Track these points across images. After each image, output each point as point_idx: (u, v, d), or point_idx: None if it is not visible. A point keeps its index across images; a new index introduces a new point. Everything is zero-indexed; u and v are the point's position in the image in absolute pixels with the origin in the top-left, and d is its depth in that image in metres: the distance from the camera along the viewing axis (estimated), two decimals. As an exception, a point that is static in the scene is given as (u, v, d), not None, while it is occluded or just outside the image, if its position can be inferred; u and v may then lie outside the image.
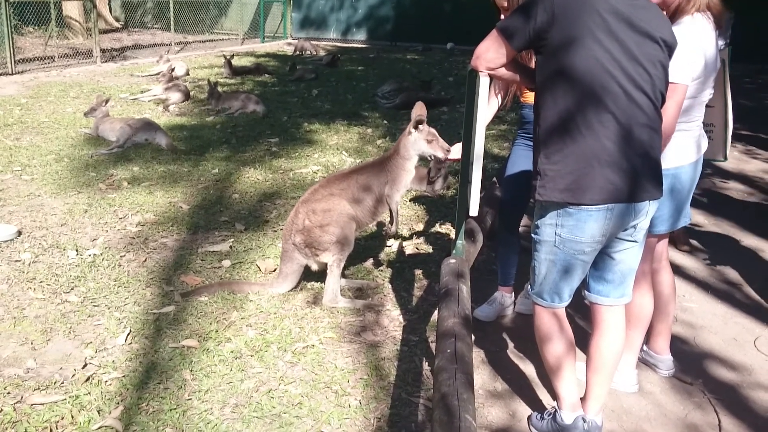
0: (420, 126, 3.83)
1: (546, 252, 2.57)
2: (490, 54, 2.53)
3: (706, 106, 3.07)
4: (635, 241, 2.59)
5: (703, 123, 3.12)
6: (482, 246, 3.98)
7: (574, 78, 2.33)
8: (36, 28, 15.13)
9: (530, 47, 2.47)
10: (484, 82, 2.61)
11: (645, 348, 3.41)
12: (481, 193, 2.89)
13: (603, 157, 2.34)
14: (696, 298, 4.18)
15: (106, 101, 7.65)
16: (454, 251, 3.26)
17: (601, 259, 2.63)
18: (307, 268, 3.96)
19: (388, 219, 4.03)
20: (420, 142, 3.84)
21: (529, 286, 2.76)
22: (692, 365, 3.43)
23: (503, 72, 2.59)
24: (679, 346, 3.57)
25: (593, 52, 2.29)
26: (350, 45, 20.55)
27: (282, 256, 3.95)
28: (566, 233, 2.47)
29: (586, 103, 2.33)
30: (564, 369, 2.70)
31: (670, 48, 2.42)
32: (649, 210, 2.52)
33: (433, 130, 3.85)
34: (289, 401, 2.94)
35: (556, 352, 2.69)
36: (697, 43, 2.76)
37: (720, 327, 3.83)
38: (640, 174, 2.39)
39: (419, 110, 3.86)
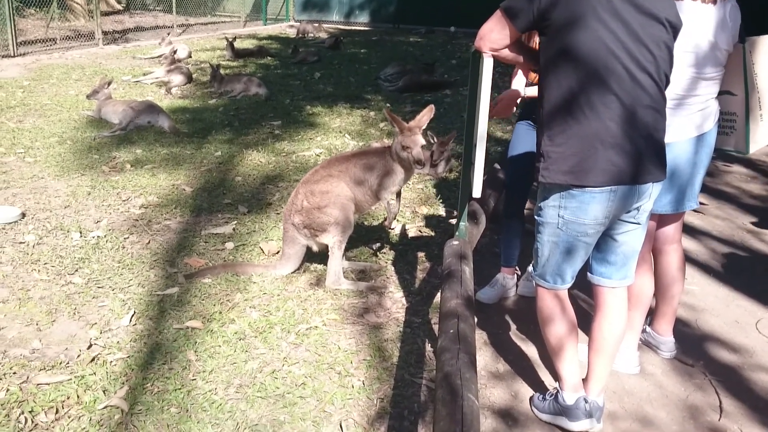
0: (409, 132, 3.74)
1: (549, 234, 2.57)
2: (494, 35, 2.52)
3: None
4: (638, 223, 2.59)
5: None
6: (485, 228, 3.98)
7: (578, 59, 2.32)
8: (38, 10, 15.05)
9: (534, 28, 2.46)
10: (488, 63, 2.61)
11: (648, 329, 3.42)
12: (483, 175, 2.89)
13: (606, 139, 2.34)
14: (698, 280, 4.19)
15: (109, 83, 7.63)
16: (457, 233, 3.26)
17: (604, 241, 2.63)
18: (309, 250, 3.98)
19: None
20: (398, 146, 3.78)
21: (532, 268, 2.77)
22: (694, 347, 3.44)
23: (507, 53, 2.58)
24: (680, 328, 3.58)
25: (597, 32, 2.28)
26: (353, 27, 20.43)
27: (284, 237, 3.96)
28: (569, 215, 2.47)
29: (589, 84, 2.32)
30: (566, 350, 2.72)
31: (675, 29, 2.41)
32: (652, 192, 2.52)
33: (416, 139, 3.73)
34: (293, 382, 2.96)
35: (558, 333, 2.71)
36: (686, 15, 2.70)
37: (722, 310, 3.84)
38: (644, 156, 2.39)
39: (424, 113, 3.81)
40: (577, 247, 2.56)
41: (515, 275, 3.89)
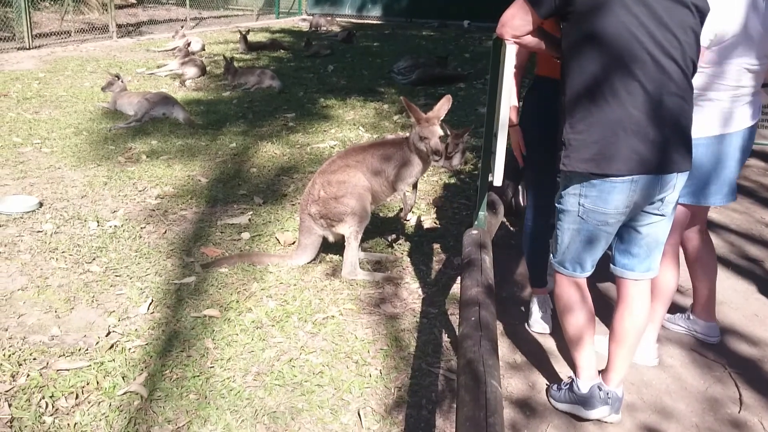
0: (426, 122, 3.70)
1: (569, 222, 2.55)
2: (516, 21, 2.49)
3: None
4: (663, 215, 2.54)
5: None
6: (502, 219, 3.97)
7: (601, 44, 2.29)
8: (52, 3, 15.13)
9: (556, 14, 2.43)
10: (510, 50, 2.59)
11: (691, 316, 3.43)
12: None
13: (629, 127, 2.31)
14: (717, 274, 4.15)
15: (117, 77, 7.64)
16: (476, 222, 3.25)
17: (627, 232, 2.61)
18: (325, 241, 3.97)
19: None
20: (415, 137, 3.75)
21: (552, 255, 2.75)
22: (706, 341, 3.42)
23: (529, 40, 2.55)
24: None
25: (621, 17, 2.25)
26: (365, 21, 20.39)
27: (300, 227, 3.96)
28: (590, 204, 2.45)
29: (612, 71, 2.29)
30: (583, 340, 2.71)
31: (702, 13, 2.35)
32: (677, 183, 2.47)
33: (434, 130, 3.68)
34: (311, 370, 2.97)
35: (576, 322, 2.70)
36: (719, 2, 2.62)
37: (741, 303, 3.81)
38: (669, 144, 2.34)
39: (441, 104, 3.77)
40: (598, 236, 2.54)
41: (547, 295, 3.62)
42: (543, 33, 2.61)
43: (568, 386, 2.82)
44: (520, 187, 4.70)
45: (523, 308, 3.67)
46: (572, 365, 2.88)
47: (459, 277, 3.34)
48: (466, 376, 1.91)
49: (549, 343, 3.36)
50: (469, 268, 2.72)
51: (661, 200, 2.49)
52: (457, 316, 2.90)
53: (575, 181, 2.47)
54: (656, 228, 2.58)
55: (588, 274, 2.68)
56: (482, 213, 3.21)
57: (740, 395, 2.99)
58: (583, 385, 2.74)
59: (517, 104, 3.11)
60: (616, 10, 2.25)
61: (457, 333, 2.67)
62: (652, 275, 2.69)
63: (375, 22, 20.40)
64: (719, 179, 2.99)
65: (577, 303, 2.69)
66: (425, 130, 3.68)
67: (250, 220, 4.60)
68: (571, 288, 2.69)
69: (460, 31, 17.70)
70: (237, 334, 3.21)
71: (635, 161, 2.33)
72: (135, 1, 20.00)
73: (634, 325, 2.70)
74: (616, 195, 2.40)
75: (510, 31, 2.53)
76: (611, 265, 2.73)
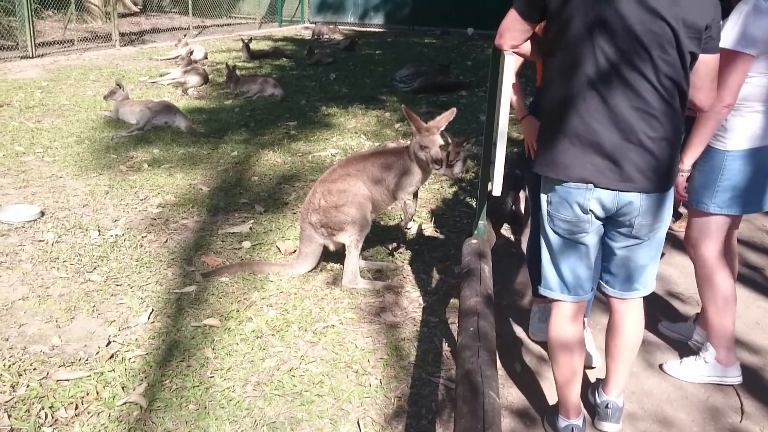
0: (427, 131, 3.72)
1: (543, 236, 2.54)
2: (511, 31, 2.48)
3: None
4: (639, 239, 2.44)
5: None
6: (502, 228, 3.97)
7: (563, 51, 2.29)
8: (55, 12, 15.18)
9: (542, 17, 2.39)
10: (509, 60, 2.60)
11: (694, 326, 3.42)
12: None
13: (584, 136, 2.28)
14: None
15: (119, 84, 7.66)
16: (475, 231, 3.25)
17: (606, 249, 2.55)
18: (326, 249, 3.98)
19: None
20: (416, 146, 3.76)
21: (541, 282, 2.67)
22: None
23: (527, 49, 2.54)
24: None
25: (586, 25, 2.21)
26: (368, 29, 20.46)
27: (301, 236, 3.96)
28: (553, 210, 2.45)
29: (572, 79, 2.27)
30: (568, 379, 2.61)
31: (691, 27, 2.17)
32: (641, 205, 2.34)
33: (434, 139, 3.70)
34: (311, 380, 2.96)
35: (559, 359, 2.60)
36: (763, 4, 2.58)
37: (742, 311, 3.80)
38: (627, 161, 2.26)
39: (444, 115, 3.78)
40: (572, 248, 2.47)
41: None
42: (538, 41, 2.60)
43: (551, 418, 2.77)
44: (520, 196, 4.70)
45: (523, 317, 3.66)
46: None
47: (460, 286, 3.34)
48: (464, 387, 1.91)
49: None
50: (468, 278, 2.72)
51: (630, 222, 2.38)
52: (457, 325, 2.90)
53: (544, 184, 2.49)
54: (634, 252, 2.48)
55: (577, 298, 2.56)
56: (482, 222, 3.22)
57: (741, 404, 2.98)
58: (562, 423, 2.67)
59: (520, 97, 3.10)
60: (582, 16, 2.21)
61: (456, 342, 2.67)
62: (638, 294, 2.60)
63: (377, 29, 20.46)
64: (764, 188, 2.99)
65: (565, 337, 2.57)
66: (425, 139, 3.69)
67: (251, 228, 4.61)
68: (562, 320, 2.58)
69: (463, 38, 17.74)
70: (237, 344, 3.21)
71: (589, 171, 2.30)
72: (138, 10, 20.10)
73: (624, 342, 2.64)
74: (573, 201, 2.37)
75: (507, 42, 2.52)
76: (599, 280, 2.69)
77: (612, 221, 2.43)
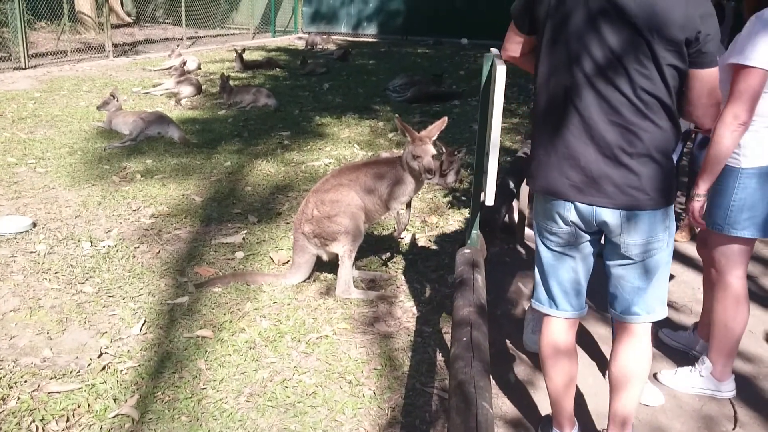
0: (420, 141, 3.73)
1: (536, 246, 2.53)
2: (508, 42, 2.49)
3: None
4: (631, 259, 2.33)
5: None
6: (496, 237, 3.97)
7: (545, 62, 2.28)
8: (49, 23, 15.17)
9: (533, 28, 2.36)
10: (501, 70, 2.60)
11: (694, 335, 3.42)
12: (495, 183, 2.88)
13: (560, 149, 2.25)
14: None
15: (113, 95, 7.67)
16: (468, 241, 3.25)
17: (604, 266, 2.48)
18: (319, 260, 3.97)
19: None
20: (408, 156, 3.77)
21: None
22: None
23: (527, 61, 2.51)
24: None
25: (564, 36, 2.19)
26: (361, 39, 20.52)
27: (294, 246, 3.96)
28: (540, 221, 2.45)
29: (550, 91, 2.26)
30: (556, 395, 2.59)
31: (669, 41, 2.07)
32: (622, 222, 2.25)
33: (427, 149, 3.71)
34: (304, 391, 2.95)
35: (551, 373, 2.57)
36: None
37: (735, 319, 3.80)
38: (601, 176, 2.20)
39: (436, 124, 3.78)
40: (558, 261, 2.44)
41: None
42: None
43: (545, 429, 2.75)
44: (513, 205, 4.71)
45: (517, 326, 3.66)
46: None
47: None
48: (457, 398, 1.90)
49: (543, 362, 3.34)
50: (461, 288, 2.71)
51: (617, 241, 2.31)
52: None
53: (534, 196, 2.50)
54: (629, 272, 2.37)
55: (564, 314, 2.50)
56: (475, 232, 3.21)
57: (735, 413, 2.98)
58: None
59: None
60: (560, 27, 2.20)
61: (450, 351, 2.66)
62: (639, 320, 2.43)
63: (370, 40, 20.52)
64: None
65: (554, 351, 2.54)
66: (418, 149, 3.70)
67: (244, 239, 4.60)
68: (550, 330, 2.55)
69: (455, 48, 17.82)
70: (230, 355, 3.20)
71: (565, 185, 2.27)
72: (131, 21, 20.13)
73: (619, 370, 2.50)
74: (555, 212, 2.35)
75: (508, 53, 2.51)
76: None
77: (606, 237, 2.38)
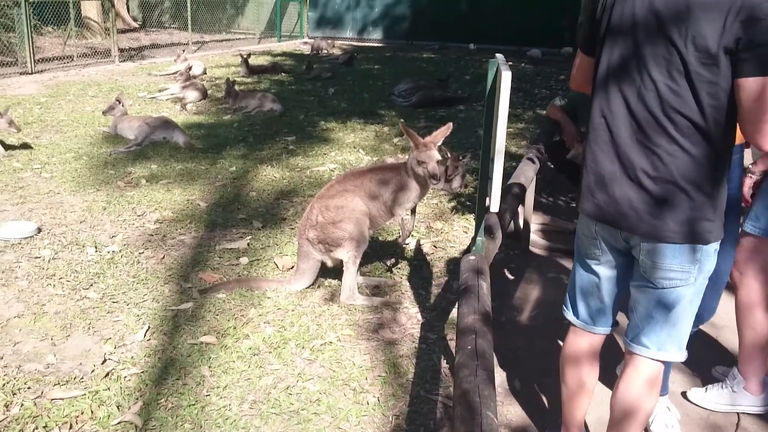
0: (424, 147, 3.72)
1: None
2: (577, 68, 2.40)
3: None
4: (650, 283, 2.18)
5: None
6: (501, 244, 3.95)
7: (594, 80, 2.23)
8: (55, 28, 15.25)
9: (591, 45, 2.26)
10: (506, 76, 2.59)
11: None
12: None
13: (590, 165, 2.21)
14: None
15: (118, 100, 7.68)
16: (473, 248, 3.24)
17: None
18: (324, 265, 3.96)
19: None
20: (413, 161, 3.76)
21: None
22: (715, 365, 3.38)
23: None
24: (701, 345, 3.52)
25: (606, 50, 2.14)
26: (366, 44, 20.54)
27: (298, 252, 3.95)
28: (578, 226, 2.41)
29: (592, 107, 2.21)
30: (566, 401, 2.57)
31: (706, 53, 1.90)
32: (646, 248, 2.13)
33: (431, 154, 3.70)
34: (307, 398, 2.94)
35: (564, 378, 2.55)
36: None
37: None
38: (623, 196, 2.11)
39: (441, 130, 3.77)
40: (585, 271, 2.40)
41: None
42: None
43: None
44: (519, 210, 4.69)
45: (523, 333, 3.64)
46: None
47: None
48: (461, 407, 1.88)
49: (549, 368, 3.31)
50: (465, 295, 2.69)
51: (637, 257, 2.19)
52: (456, 343, 2.88)
53: None
54: (645, 296, 2.22)
55: (584, 326, 2.46)
56: (480, 238, 3.20)
57: (738, 420, 2.95)
58: None
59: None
60: (604, 39, 2.15)
61: (455, 359, 2.65)
62: (646, 352, 2.26)
63: (376, 44, 20.54)
64: None
65: (571, 357, 2.50)
66: (423, 154, 3.69)
67: (248, 244, 4.59)
68: (572, 338, 2.51)
69: (461, 53, 17.82)
70: (234, 361, 3.18)
71: (591, 202, 2.23)
72: (137, 26, 20.20)
73: (615, 400, 2.36)
74: (583, 225, 2.34)
75: (574, 82, 2.44)
76: None
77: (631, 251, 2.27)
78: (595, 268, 2.36)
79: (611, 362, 3.16)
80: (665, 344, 2.22)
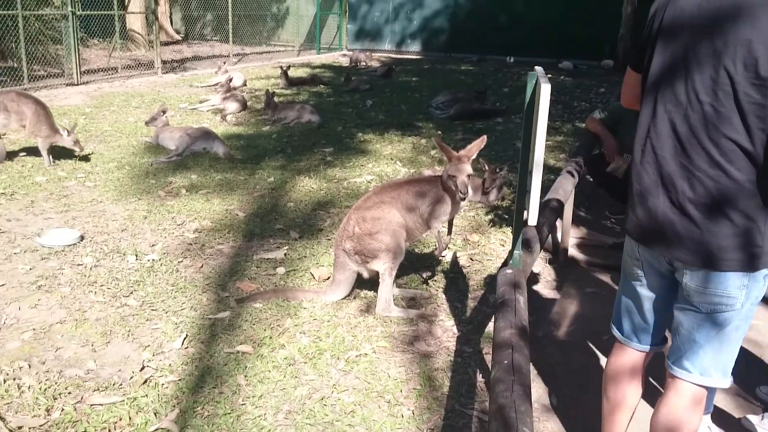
0: (457, 160, 3.72)
1: None
2: (626, 86, 2.38)
3: None
4: (693, 306, 2.11)
5: None
6: (538, 257, 3.91)
7: (641, 95, 2.20)
8: (101, 40, 15.65)
9: (639, 60, 2.24)
10: (545, 89, 2.57)
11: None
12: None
13: (635, 185, 2.17)
14: (760, 314, 4.02)
15: (164, 111, 7.83)
16: (510, 261, 3.21)
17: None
18: (360, 277, 3.96)
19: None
20: (445, 175, 3.77)
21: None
22: (759, 384, 3.29)
23: None
24: (743, 364, 3.42)
25: (652, 70, 2.11)
26: (405, 56, 20.62)
27: (335, 263, 3.96)
28: (626, 243, 2.38)
29: (639, 124, 2.17)
30: (605, 418, 2.52)
31: (758, 76, 1.85)
32: (689, 273, 2.06)
33: (462, 168, 3.70)
34: (342, 409, 2.93)
35: (605, 393, 2.50)
36: None
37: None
38: (665, 222, 2.06)
39: (475, 143, 3.77)
40: (629, 290, 2.37)
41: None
42: None
43: None
44: (557, 224, 4.64)
45: (560, 348, 3.59)
46: None
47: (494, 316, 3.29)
48: (497, 423, 1.86)
49: (586, 384, 3.27)
50: (502, 309, 2.66)
51: (679, 279, 2.12)
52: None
53: None
54: (685, 318, 2.15)
55: (627, 342, 2.41)
56: (517, 252, 3.17)
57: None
58: None
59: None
60: (653, 58, 2.11)
61: (491, 374, 2.62)
62: (688, 376, 2.17)
63: (414, 57, 20.60)
64: None
65: (612, 373, 2.46)
66: (453, 167, 3.69)
67: (285, 254, 4.62)
68: (616, 354, 2.47)
69: (499, 65, 17.77)
70: (269, 371, 3.20)
71: (633, 223, 2.20)
72: (180, 38, 20.58)
73: (654, 424, 2.28)
74: (627, 244, 2.32)
75: (626, 98, 2.41)
76: None
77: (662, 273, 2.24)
78: (638, 288, 2.32)
79: (659, 381, 3.11)
80: (708, 369, 2.14)
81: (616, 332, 2.46)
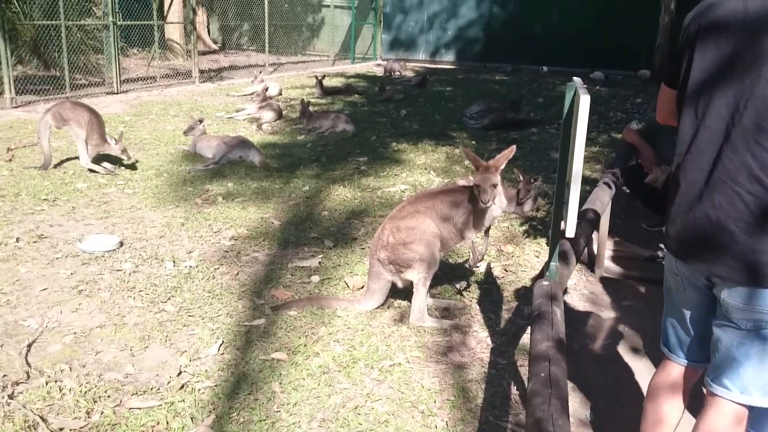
0: (484, 170, 3.70)
1: None
2: (661, 102, 2.37)
3: None
4: (732, 323, 2.07)
5: None
6: (575, 270, 3.88)
7: (680, 110, 2.19)
8: (140, 50, 15.96)
9: (675, 76, 2.22)
10: (584, 100, 2.56)
11: None
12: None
13: (673, 198, 2.15)
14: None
15: (201, 120, 7.95)
16: (547, 273, 3.19)
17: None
18: (394, 286, 3.97)
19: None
20: (473, 184, 3.77)
21: None
22: None
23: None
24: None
25: (690, 75, 2.10)
26: (439, 66, 20.62)
27: (369, 272, 3.97)
28: (665, 262, 2.36)
29: (679, 138, 2.15)
30: (646, 429, 2.47)
31: None
32: (728, 289, 2.03)
33: (487, 177, 3.68)
34: (376, 419, 2.94)
35: (645, 409, 2.47)
36: None
37: None
38: (704, 237, 2.03)
39: (503, 153, 3.75)
40: (671, 304, 2.35)
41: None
42: None
43: None
44: (593, 236, 4.60)
45: (596, 361, 3.55)
46: None
47: (529, 328, 3.27)
48: (534, 436, 1.86)
49: (623, 399, 3.23)
50: (539, 322, 2.65)
51: (717, 295, 2.09)
52: (527, 368, 2.83)
53: None
54: (724, 335, 2.11)
55: (673, 357, 2.39)
56: (554, 264, 3.15)
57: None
58: None
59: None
60: (693, 65, 2.08)
61: (526, 385, 2.61)
62: (727, 394, 2.12)
63: (448, 66, 20.60)
64: None
65: (655, 389, 2.43)
66: (479, 176, 3.69)
67: (320, 263, 4.65)
68: (660, 369, 2.45)
69: (534, 75, 17.68)
70: (304, 379, 3.22)
71: (671, 235, 2.18)
72: (217, 48, 20.88)
73: None
74: (666, 259, 2.30)
75: (662, 114, 2.41)
76: None
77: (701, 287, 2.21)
78: (678, 303, 2.30)
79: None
80: (749, 387, 2.09)
81: (663, 347, 2.44)
